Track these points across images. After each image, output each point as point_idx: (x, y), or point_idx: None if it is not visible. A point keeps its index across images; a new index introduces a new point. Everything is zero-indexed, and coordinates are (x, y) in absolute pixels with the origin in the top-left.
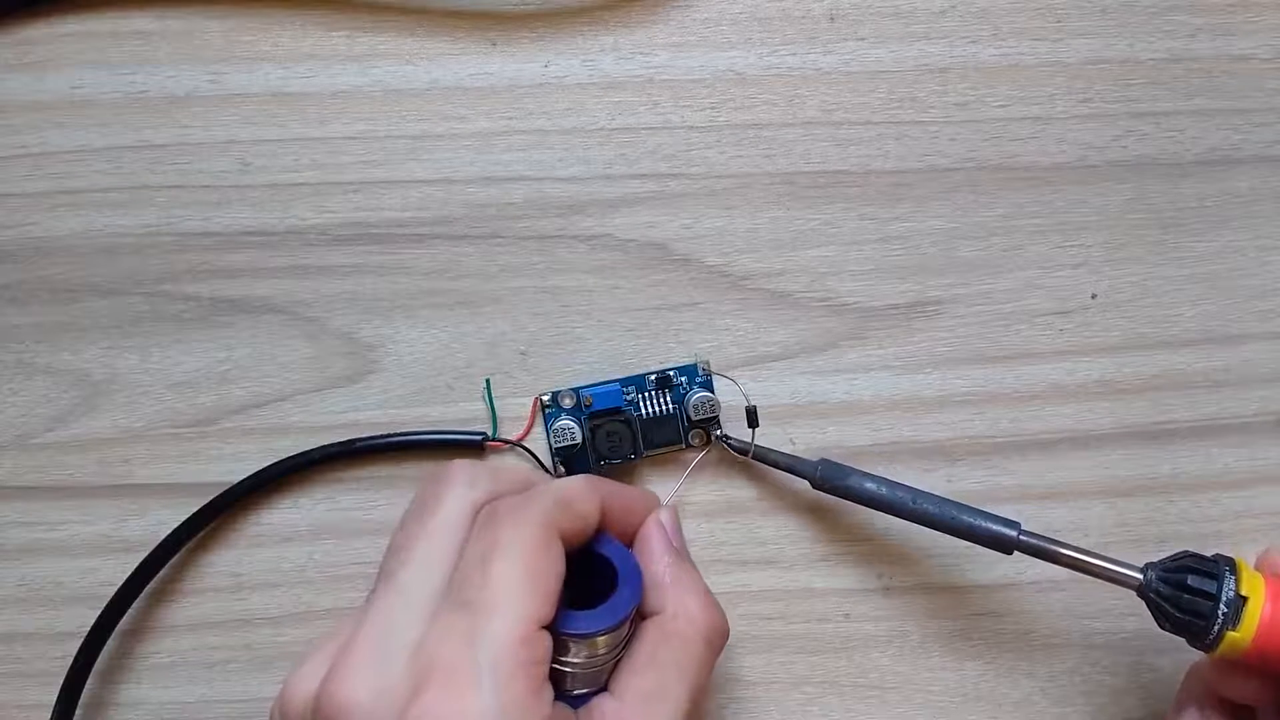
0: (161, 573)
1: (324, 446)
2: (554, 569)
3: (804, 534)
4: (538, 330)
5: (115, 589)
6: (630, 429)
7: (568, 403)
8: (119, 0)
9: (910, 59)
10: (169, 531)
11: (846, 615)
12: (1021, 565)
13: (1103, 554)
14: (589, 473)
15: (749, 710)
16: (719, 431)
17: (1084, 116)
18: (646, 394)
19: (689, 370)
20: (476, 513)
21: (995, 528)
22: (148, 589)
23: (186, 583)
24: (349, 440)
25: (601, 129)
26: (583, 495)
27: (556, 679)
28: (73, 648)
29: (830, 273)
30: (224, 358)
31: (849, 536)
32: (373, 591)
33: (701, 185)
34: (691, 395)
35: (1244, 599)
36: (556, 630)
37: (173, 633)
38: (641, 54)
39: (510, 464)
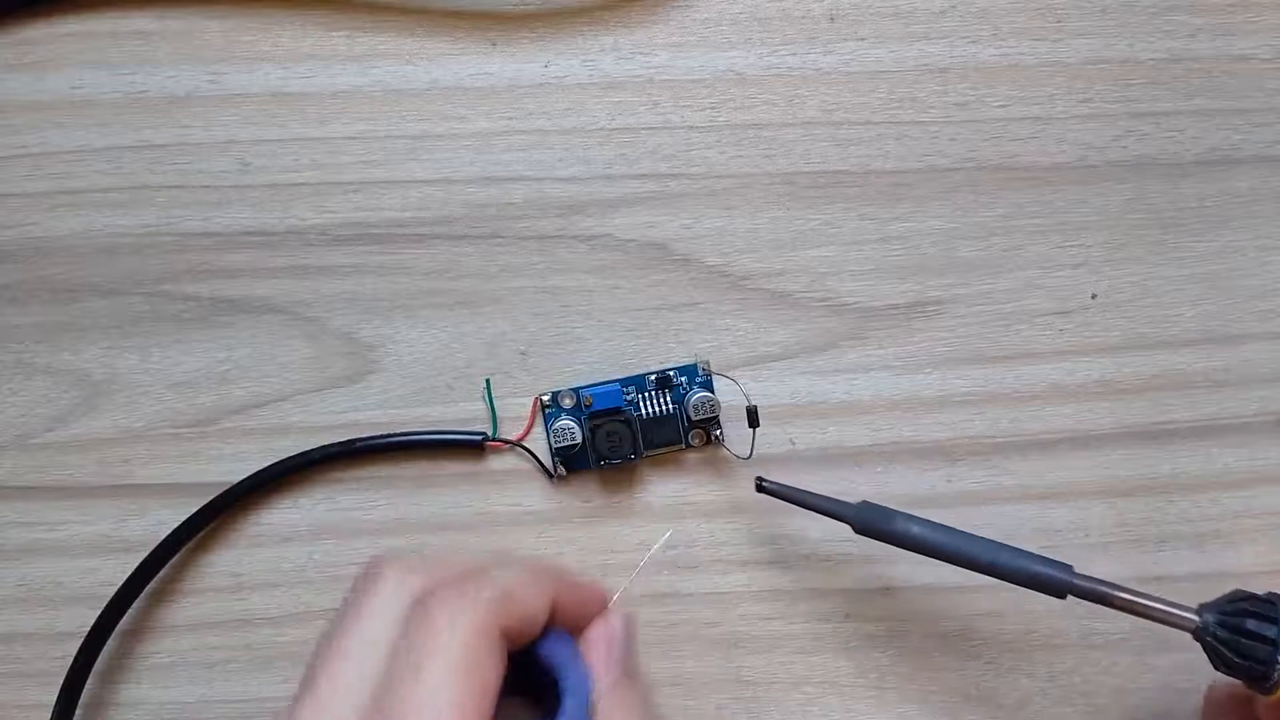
0: (161, 573)
1: (324, 446)
2: (492, 675)
3: (804, 534)
4: (538, 330)
5: (115, 589)
6: (630, 429)
7: (568, 403)
8: (119, 0)
9: (910, 59)
10: (169, 531)
11: (846, 615)
12: None
13: (1157, 596)
14: (588, 469)
15: (749, 710)
16: (760, 477)
17: (1084, 116)
18: (646, 394)
19: (689, 370)
20: (412, 607)
21: (1048, 571)
22: (148, 589)
23: (186, 583)
24: (349, 440)
25: (601, 129)
26: (530, 590)
27: None
28: (73, 648)
29: (830, 273)
30: (224, 358)
31: (849, 537)
32: (295, 698)
33: (701, 185)
34: (691, 395)
35: None
36: None
37: (173, 633)
38: (641, 54)
39: (466, 555)
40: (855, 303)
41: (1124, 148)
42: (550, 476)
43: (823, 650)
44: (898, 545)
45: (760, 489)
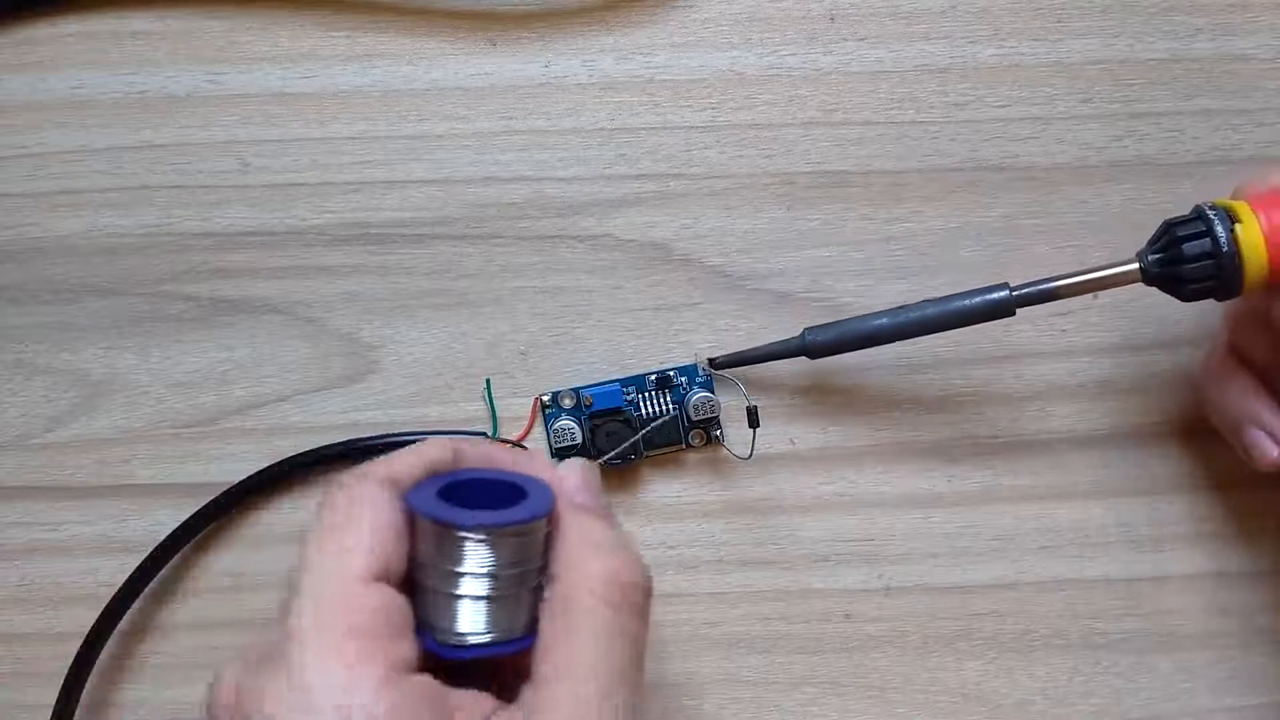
0: (161, 573)
1: (324, 446)
2: (365, 515)
3: (804, 534)
4: (538, 330)
5: (115, 589)
6: (630, 429)
7: (568, 403)
8: (119, 0)
9: (910, 59)
10: (169, 531)
11: (847, 615)
12: (1022, 565)
13: (1095, 267)
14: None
15: (749, 710)
16: (710, 359)
17: (1084, 116)
18: (646, 394)
19: (689, 370)
20: None
21: (989, 297)
22: (148, 589)
23: (186, 583)
24: (349, 440)
25: (601, 129)
26: (415, 450)
27: (452, 627)
28: (73, 648)
29: (830, 273)
30: (224, 358)
31: (849, 536)
32: None
33: (701, 185)
34: (691, 395)
35: (1237, 232)
36: (447, 524)
37: (173, 633)
38: (641, 54)
39: None
40: (855, 303)
41: (1124, 148)
42: None
43: (823, 650)
44: (852, 349)
45: (714, 367)
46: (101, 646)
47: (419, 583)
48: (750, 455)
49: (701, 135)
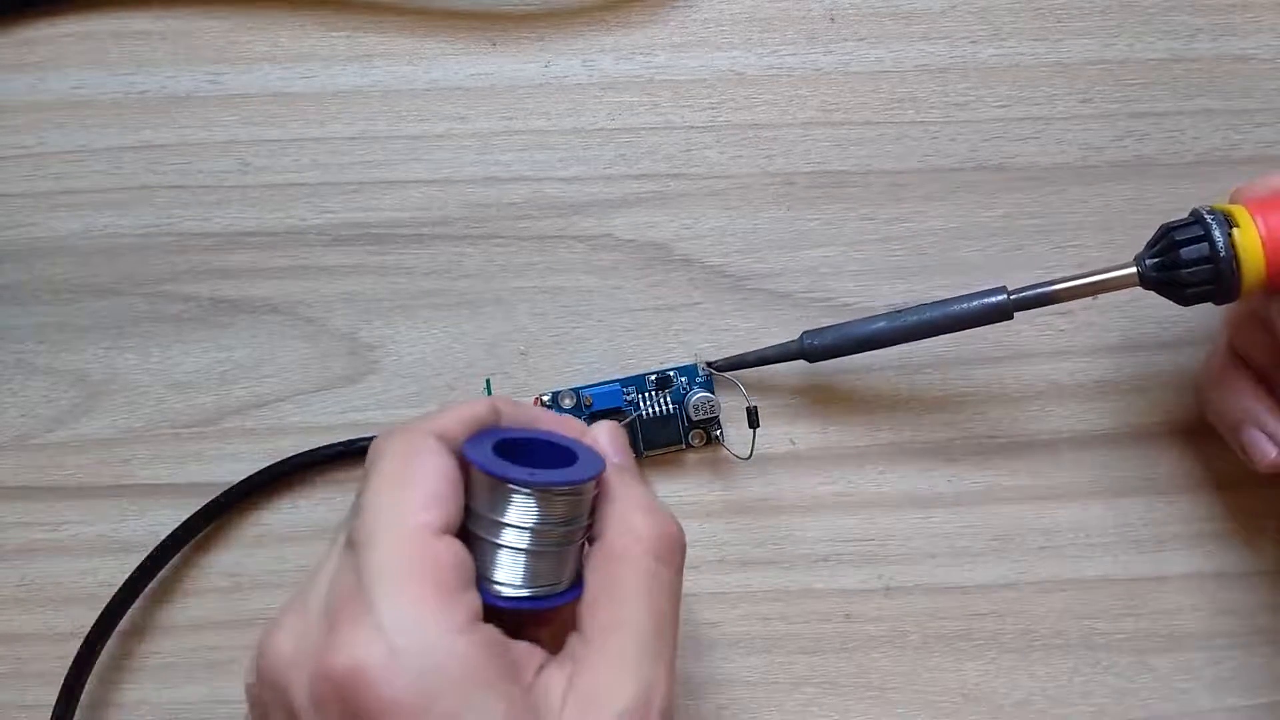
0: (161, 573)
1: (324, 446)
2: (428, 468)
3: (804, 534)
4: (538, 330)
5: (115, 589)
6: (630, 429)
7: (568, 403)
8: (119, 0)
9: (910, 59)
10: (169, 531)
11: (847, 615)
12: (1022, 565)
13: (1092, 270)
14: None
15: (749, 710)
16: (708, 362)
17: (1084, 116)
18: (646, 394)
19: (689, 370)
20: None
21: (987, 301)
22: (148, 589)
23: (186, 583)
24: (349, 440)
25: (601, 129)
26: (455, 407)
27: (498, 581)
28: (73, 648)
29: (830, 273)
30: (224, 358)
31: (849, 536)
32: None
33: (701, 185)
34: (691, 395)
35: (1235, 237)
36: (498, 476)
37: (173, 633)
38: (641, 54)
39: None
40: (855, 303)
41: (1124, 148)
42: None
43: (823, 650)
44: (849, 353)
45: (713, 369)
46: (101, 646)
47: (472, 535)
48: (750, 455)
49: (701, 135)
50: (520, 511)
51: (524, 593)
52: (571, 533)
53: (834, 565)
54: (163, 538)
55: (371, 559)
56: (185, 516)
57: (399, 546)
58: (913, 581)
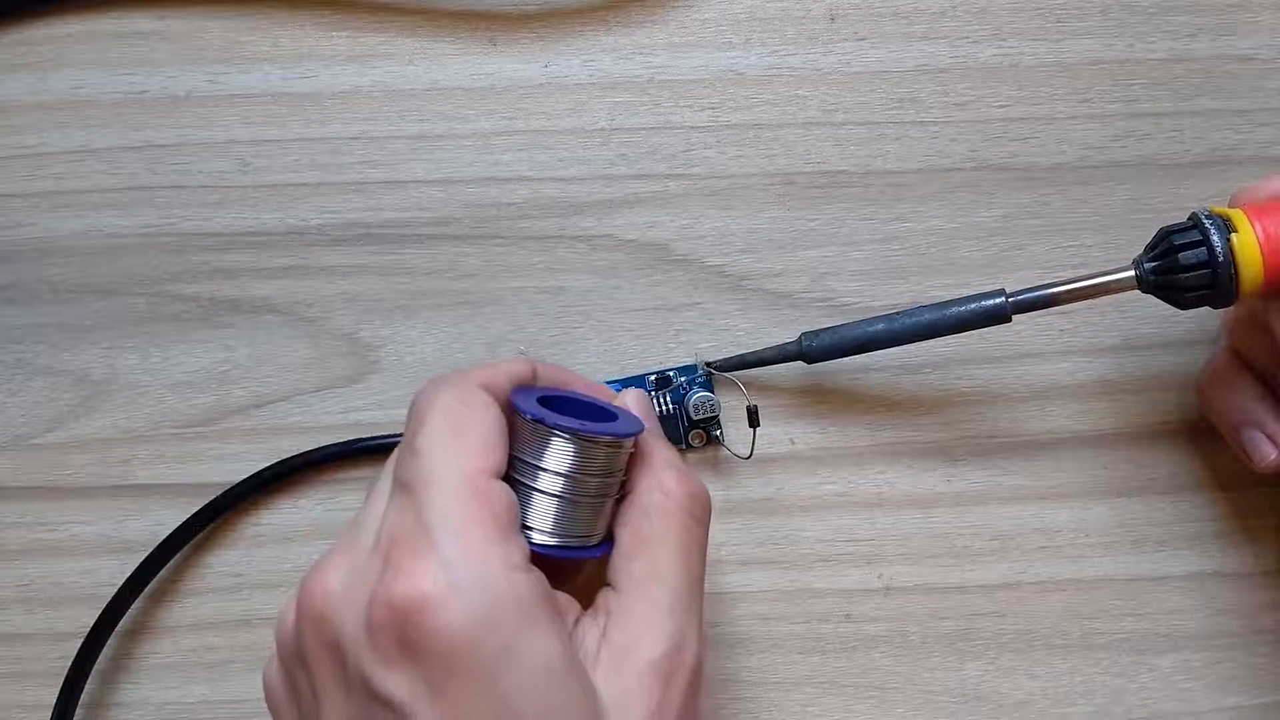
0: (161, 573)
1: (324, 447)
2: (481, 417)
3: (804, 534)
4: (538, 330)
5: (115, 589)
6: None
7: None
8: (119, 0)
9: (910, 59)
10: (169, 531)
11: (847, 615)
12: (1021, 565)
13: (1091, 273)
14: None
15: (749, 710)
16: (707, 363)
17: (1084, 116)
18: (646, 394)
19: (689, 370)
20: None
21: (985, 304)
22: (148, 589)
23: (186, 583)
24: (349, 440)
25: (601, 129)
26: (507, 361)
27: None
28: (73, 648)
29: (830, 273)
30: (224, 358)
31: (849, 536)
32: None
33: (701, 185)
34: (691, 395)
35: (1233, 241)
36: (549, 425)
37: (173, 633)
38: (641, 54)
39: None
40: (855, 303)
41: (1124, 148)
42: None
43: (823, 650)
44: (848, 354)
45: (713, 370)
46: (101, 646)
47: (513, 482)
48: (750, 455)
49: (701, 135)
50: (562, 458)
51: (556, 540)
52: (608, 485)
53: (834, 565)
54: (163, 538)
55: (433, 499)
56: (185, 516)
57: (459, 488)
58: (913, 581)
